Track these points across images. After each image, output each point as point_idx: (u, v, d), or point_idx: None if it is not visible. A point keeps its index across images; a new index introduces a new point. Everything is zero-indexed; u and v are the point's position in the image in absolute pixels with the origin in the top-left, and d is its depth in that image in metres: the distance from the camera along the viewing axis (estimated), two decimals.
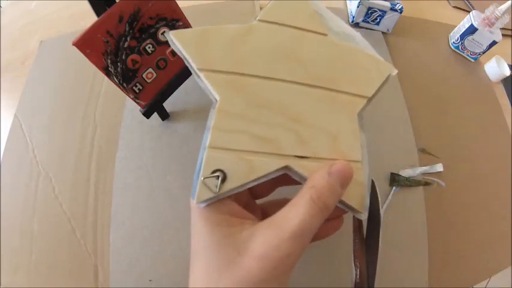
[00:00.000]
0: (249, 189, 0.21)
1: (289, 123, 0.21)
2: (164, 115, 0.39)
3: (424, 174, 0.40)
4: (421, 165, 0.40)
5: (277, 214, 0.19)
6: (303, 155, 0.20)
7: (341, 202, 0.20)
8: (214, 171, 0.19)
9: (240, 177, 0.19)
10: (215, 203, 0.19)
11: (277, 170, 0.20)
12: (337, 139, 0.21)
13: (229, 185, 0.19)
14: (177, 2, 0.33)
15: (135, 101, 0.35)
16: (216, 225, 0.18)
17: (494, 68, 0.49)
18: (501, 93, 0.50)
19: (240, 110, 0.20)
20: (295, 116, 0.21)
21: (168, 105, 0.38)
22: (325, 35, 0.23)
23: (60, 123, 0.42)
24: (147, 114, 0.36)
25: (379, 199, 0.22)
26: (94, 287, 0.33)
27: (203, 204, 0.19)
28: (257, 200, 0.25)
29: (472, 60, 0.51)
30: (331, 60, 0.22)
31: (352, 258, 0.23)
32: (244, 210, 0.20)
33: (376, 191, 0.22)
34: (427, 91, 0.47)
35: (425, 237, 0.37)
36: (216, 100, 0.20)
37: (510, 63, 0.51)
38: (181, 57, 0.21)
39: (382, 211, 0.37)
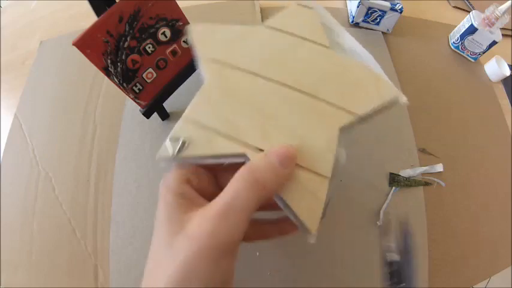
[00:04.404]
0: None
1: (259, 118, 0.21)
2: (164, 115, 0.39)
3: (424, 174, 0.40)
4: (421, 165, 0.40)
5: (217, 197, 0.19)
6: (263, 149, 0.20)
7: (291, 212, 0.20)
8: (180, 138, 0.20)
9: (199, 149, 0.20)
10: (175, 183, 0.20)
11: (234, 156, 0.20)
12: (305, 146, 0.21)
13: (187, 153, 0.20)
14: (177, 2, 0.33)
15: (135, 101, 0.35)
16: (168, 204, 0.19)
17: (494, 68, 0.49)
18: (501, 93, 0.50)
19: (221, 95, 0.22)
20: (268, 113, 0.21)
21: (168, 105, 0.38)
22: (326, 47, 0.23)
23: (60, 123, 0.42)
24: (147, 114, 0.36)
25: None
26: (94, 287, 0.33)
27: (163, 163, 0.20)
28: None
29: (472, 60, 0.51)
30: (325, 71, 0.23)
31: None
32: (202, 198, 0.20)
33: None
34: (427, 91, 0.47)
35: (425, 237, 0.37)
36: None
37: (510, 63, 0.51)
38: (192, 45, 0.24)
39: (382, 212, 0.36)
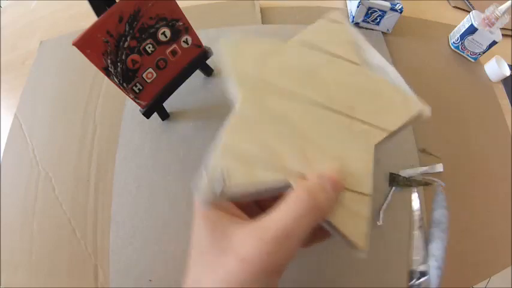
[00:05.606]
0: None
1: (298, 141, 0.20)
2: (164, 115, 0.39)
3: (424, 174, 0.40)
4: (421, 165, 0.40)
5: (265, 215, 0.18)
6: (304, 173, 0.20)
7: (338, 233, 0.19)
8: (219, 175, 0.19)
9: (242, 184, 0.19)
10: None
11: (278, 184, 0.20)
12: (345, 166, 0.20)
13: (230, 190, 0.19)
14: (177, 2, 0.33)
15: (135, 101, 0.35)
16: (208, 221, 0.18)
17: (494, 68, 0.49)
18: (501, 93, 0.50)
19: (255, 118, 0.21)
20: (306, 135, 0.21)
21: (168, 105, 0.38)
22: (357, 64, 0.23)
23: (60, 123, 0.42)
24: (147, 114, 0.36)
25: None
26: (94, 287, 0.33)
27: (205, 205, 0.19)
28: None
29: (472, 60, 0.51)
30: (357, 89, 0.23)
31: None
32: (238, 209, 0.20)
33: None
34: (427, 91, 0.46)
35: None
36: (237, 103, 0.21)
37: (510, 63, 0.51)
38: (222, 61, 0.23)
39: (381, 212, 0.36)
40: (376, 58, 0.25)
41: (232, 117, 0.21)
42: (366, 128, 0.22)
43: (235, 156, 0.20)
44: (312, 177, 0.19)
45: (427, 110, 0.23)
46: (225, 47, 0.23)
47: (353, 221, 0.19)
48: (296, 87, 0.22)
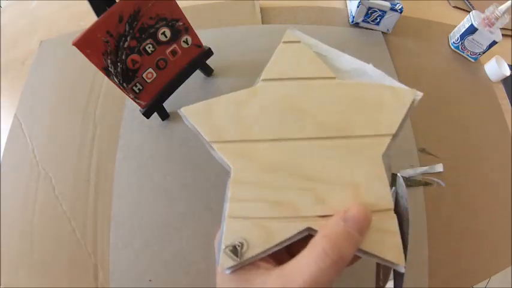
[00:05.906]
0: None
1: (303, 183, 0.20)
2: (164, 115, 0.39)
3: (424, 174, 0.40)
4: (421, 165, 0.40)
5: (289, 264, 0.18)
6: (324, 214, 0.19)
7: (375, 256, 0.19)
8: (235, 241, 0.19)
9: (260, 244, 0.19)
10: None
11: (299, 233, 0.19)
12: (359, 190, 0.20)
13: (251, 253, 0.19)
14: (177, 2, 0.33)
15: (135, 101, 0.35)
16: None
17: (494, 68, 0.49)
18: (501, 93, 0.50)
19: (253, 177, 0.20)
20: (309, 174, 0.20)
21: (168, 105, 0.38)
22: (332, 78, 0.22)
23: (60, 123, 0.42)
24: (147, 114, 0.36)
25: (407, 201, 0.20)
26: (94, 287, 0.33)
27: (228, 271, 0.19)
28: None
29: (472, 60, 0.51)
30: (342, 104, 0.21)
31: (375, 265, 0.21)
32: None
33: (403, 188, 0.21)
34: (427, 91, 0.47)
35: (425, 237, 0.37)
36: (231, 170, 0.20)
37: (510, 63, 0.51)
38: (195, 132, 0.22)
39: None
40: (348, 61, 0.24)
41: (231, 184, 0.20)
42: (367, 142, 0.21)
43: (246, 220, 0.19)
44: (336, 220, 0.18)
45: (418, 94, 0.22)
46: (192, 116, 0.22)
47: (384, 241, 0.19)
48: (282, 129, 0.21)
